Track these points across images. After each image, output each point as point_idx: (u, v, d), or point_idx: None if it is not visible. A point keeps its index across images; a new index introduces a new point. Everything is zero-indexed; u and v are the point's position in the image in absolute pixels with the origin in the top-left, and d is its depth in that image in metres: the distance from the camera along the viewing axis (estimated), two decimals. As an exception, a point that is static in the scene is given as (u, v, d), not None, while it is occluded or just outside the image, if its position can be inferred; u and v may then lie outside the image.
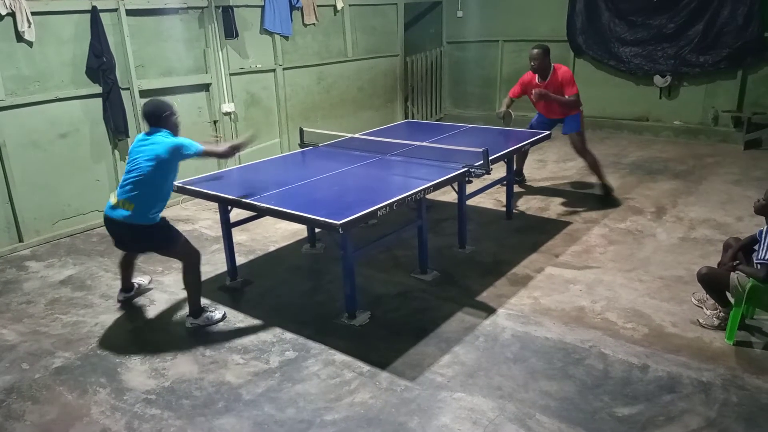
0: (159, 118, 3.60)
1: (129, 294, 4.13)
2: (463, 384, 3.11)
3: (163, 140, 3.52)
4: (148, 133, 3.61)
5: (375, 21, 8.48)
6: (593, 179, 6.00)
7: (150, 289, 4.29)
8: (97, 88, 5.47)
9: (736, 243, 3.54)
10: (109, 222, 3.62)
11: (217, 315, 3.86)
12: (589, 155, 5.80)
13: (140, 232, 3.57)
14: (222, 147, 3.75)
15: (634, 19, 8.11)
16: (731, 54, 7.48)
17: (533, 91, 5.57)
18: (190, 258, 3.72)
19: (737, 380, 3.05)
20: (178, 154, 3.53)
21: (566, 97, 5.55)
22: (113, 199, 3.58)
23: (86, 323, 3.90)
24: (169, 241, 3.67)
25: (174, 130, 3.65)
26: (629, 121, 8.56)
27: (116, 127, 5.58)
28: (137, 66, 5.75)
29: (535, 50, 5.58)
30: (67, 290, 4.40)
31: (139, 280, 4.26)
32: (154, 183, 3.52)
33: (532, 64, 5.62)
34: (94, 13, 5.32)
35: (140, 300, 4.18)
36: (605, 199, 5.76)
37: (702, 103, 7.98)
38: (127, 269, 4.05)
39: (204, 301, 3.89)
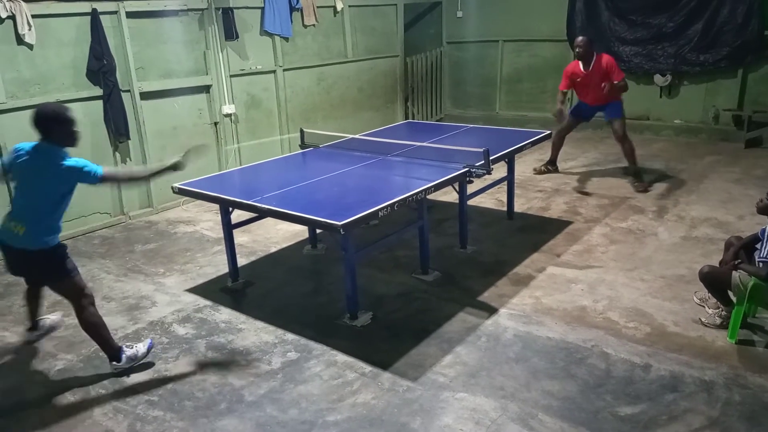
0: (51, 128, 3.06)
1: (38, 332, 3.68)
2: (465, 384, 3.10)
3: (58, 161, 3.03)
4: (37, 146, 3.10)
5: (375, 22, 8.48)
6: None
7: (58, 328, 3.79)
8: (98, 91, 5.48)
9: (738, 242, 3.55)
10: (1, 246, 3.21)
11: (142, 348, 3.37)
12: (628, 142, 6.13)
13: (32, 257, 3.12)
14: (136, 170, 3.25)
15: (633, 19, 8.11)
16: (731, 53, 7.48)
17: (604, 85, 5.82)
18: (80, 298, 3.21)
19: (740, 379, 3.05)
20: (74, 177, 3.07)
21: (618, 82, 5.87)
22: (4, 221, 3.16)
23: (88, 325, 3.90)
24: (59, 273, 3.17)
25: (67, 143, 3.12)
26: (630, 120, 8.40)
27: (117, 129, 5.58)
28: (137, 68, 5.75)
29: (581, 38, 5.96)
30: (69, 292, 4.39)
31: (49, 317, 3.79)
32: (48, 204, 3.08)
33: (578, 50, 5.93)
34: (95, 15, 5.33)
35: (142, 302, 4.19)
36: (640, 184, 6.04)
37: (702, 102, 7.98)
38: (32, 303, 3.60)
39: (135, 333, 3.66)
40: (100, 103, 5.50)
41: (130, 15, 5.62)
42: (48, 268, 3.17)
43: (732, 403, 2.88)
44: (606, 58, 5.90)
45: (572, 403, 2.93)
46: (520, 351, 3.38)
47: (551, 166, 6.79)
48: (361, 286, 3.89)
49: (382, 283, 4.27)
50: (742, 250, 3.48)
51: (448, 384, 3.11)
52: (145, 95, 5.84)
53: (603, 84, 5.79)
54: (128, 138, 5.71)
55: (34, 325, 3.68)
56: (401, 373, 3.22)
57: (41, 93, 5.16)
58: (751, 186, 5.95)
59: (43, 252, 3.11)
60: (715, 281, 3.46)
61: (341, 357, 3.40)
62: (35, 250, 3.10)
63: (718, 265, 3.55)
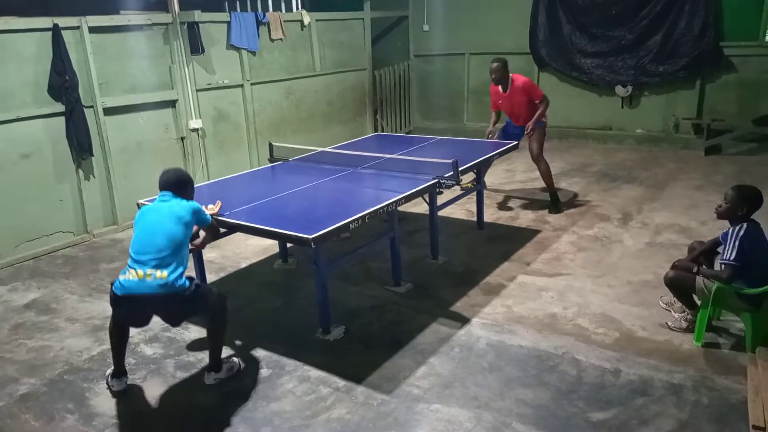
0: (184, 187, 3.30)
1: (124, 379, 3.33)
2: (439, 395, 3.10)
3: (183, 202, 3.23)
4: (163, 199, 3.23)
5: (342, 35, 8.52)
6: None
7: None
8: (60, 107, 5.36)
9: (700, 246, 3.64)
10: (133, 299, 3.04)
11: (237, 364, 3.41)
12: (543, 163, 5.88)
13: (174, 298, 3.07)
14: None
15: (594, 32, 8.32)
16: (689, 63, 7.73)
17: (526, 133, 5.78)
18: (220, 306, 3.26)
19: (707, 381, 3.11)
20: (198, 217, 3.29)
21: (539, 102, 5.75)
22: (134, 274, 3.01)
23: (52, 348, 3.79)
24: (205, 299, 3.20)
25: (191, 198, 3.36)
26: (593, 131, 8.74)
27: (80, 145, 5.46)
28: (101, 83, 5.65)
29: (494, 64, 5.84)
30: (32, 314, 4.27)
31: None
32: (182, 246, 3.14)
33: (493, 76, 5.86)
34: (56, 31, 5.23)
35: (107, 322, 4.05)
36: (553, 207, 5.83)
37: (663, 112, 8.21)
38: (122, 346, 3.31)
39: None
40: (62, 119, 5.38)
41: (93, 30, 5.53)
42: (192, 302, 3.15)
43: (700, 405, 2.94)
44: (521, 80, 5.80)
45: (545, 410, 2.95)
46: (493, 360, 3.40)
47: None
48: (333, 300, 3.86)
49: (354, 296, 4.25)
50: (704, 254, 3.57)
51: (422, 396, 3.11)
52: (109, 111, 5.74)
53: (527, 127, 5.73)
54: (91, 155, 5.60)
55: (123, 370, 3.32)
56: (375, 387, 3.20)
57: (1, 110, 5.02)
58: (711, 192, 6.12)
59: (183, 291, 3.08)
60: (680, 286, 3.54)
61: (314, 372, 3.36)
62: (176, 291, 3.05)
63: (676, 265, 3.61)
